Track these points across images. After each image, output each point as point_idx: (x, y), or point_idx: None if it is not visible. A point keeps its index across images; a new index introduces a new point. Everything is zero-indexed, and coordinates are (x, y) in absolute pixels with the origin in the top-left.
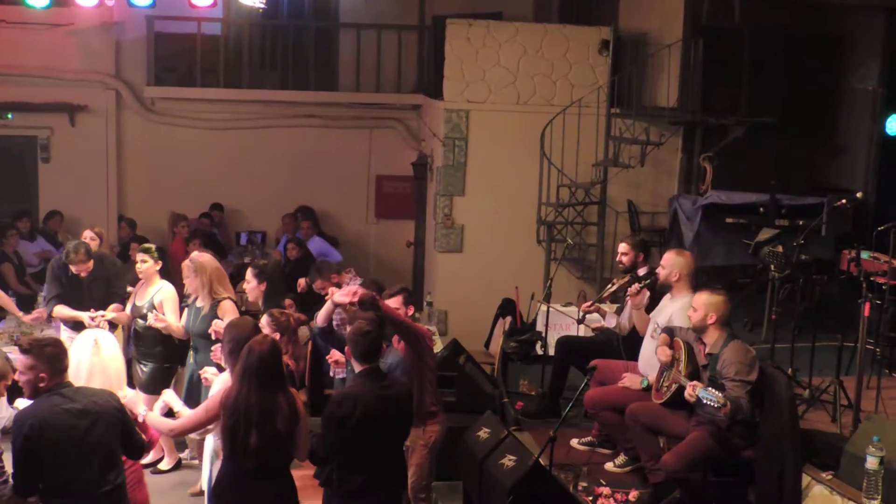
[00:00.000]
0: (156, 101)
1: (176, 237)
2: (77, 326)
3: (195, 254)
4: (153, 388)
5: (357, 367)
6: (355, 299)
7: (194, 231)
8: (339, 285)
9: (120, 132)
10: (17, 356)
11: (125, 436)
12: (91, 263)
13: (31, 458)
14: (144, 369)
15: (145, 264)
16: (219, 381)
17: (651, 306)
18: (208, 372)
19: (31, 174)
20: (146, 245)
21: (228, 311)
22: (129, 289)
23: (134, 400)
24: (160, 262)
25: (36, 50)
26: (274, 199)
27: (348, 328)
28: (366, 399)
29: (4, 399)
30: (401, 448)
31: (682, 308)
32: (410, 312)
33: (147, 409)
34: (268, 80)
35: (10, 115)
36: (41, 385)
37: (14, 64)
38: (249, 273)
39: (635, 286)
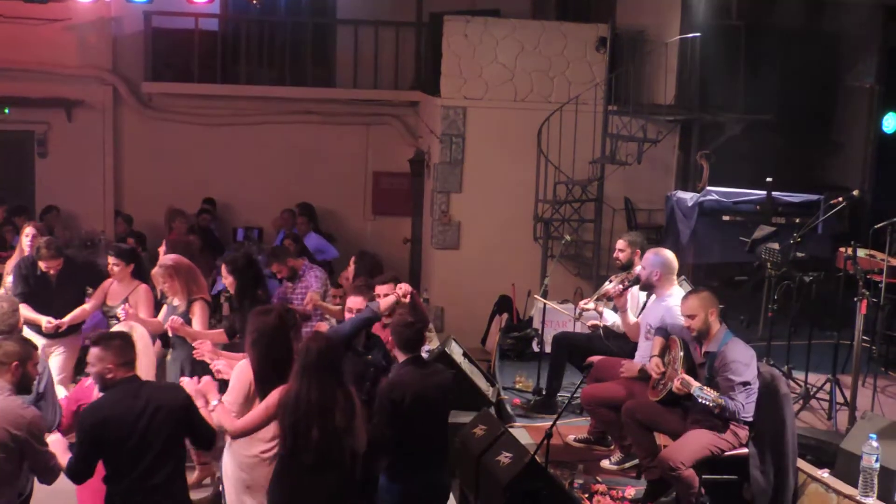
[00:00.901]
0: (153, 96)
1: (173, 232)
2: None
3: (165, 258)
4: None
5: (400, 357)
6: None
7: (191, 227)
8: (294, 270)
9: (117, 127)
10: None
11: (192, 427)
12: (61, 262)
13: (92, 448)
14: None
15: (117, 268)
16: (237, 371)
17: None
18: (219, 364)
19: (27, 169)
20: (118, 247)
21: (198, 312)
22: (89, 290)
23: (209, 388)
24: (132, 264)
25: (33, 45)
26: (271, 195)
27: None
28: (414, 385)
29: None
30: (446, 430)
31: (670, 307)
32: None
33: (220, 401)
34: (265, 77)
35: (6, 110)
36: (108, 377)
37: (11, 59)
38: (223, 268)
39: (618, 288)
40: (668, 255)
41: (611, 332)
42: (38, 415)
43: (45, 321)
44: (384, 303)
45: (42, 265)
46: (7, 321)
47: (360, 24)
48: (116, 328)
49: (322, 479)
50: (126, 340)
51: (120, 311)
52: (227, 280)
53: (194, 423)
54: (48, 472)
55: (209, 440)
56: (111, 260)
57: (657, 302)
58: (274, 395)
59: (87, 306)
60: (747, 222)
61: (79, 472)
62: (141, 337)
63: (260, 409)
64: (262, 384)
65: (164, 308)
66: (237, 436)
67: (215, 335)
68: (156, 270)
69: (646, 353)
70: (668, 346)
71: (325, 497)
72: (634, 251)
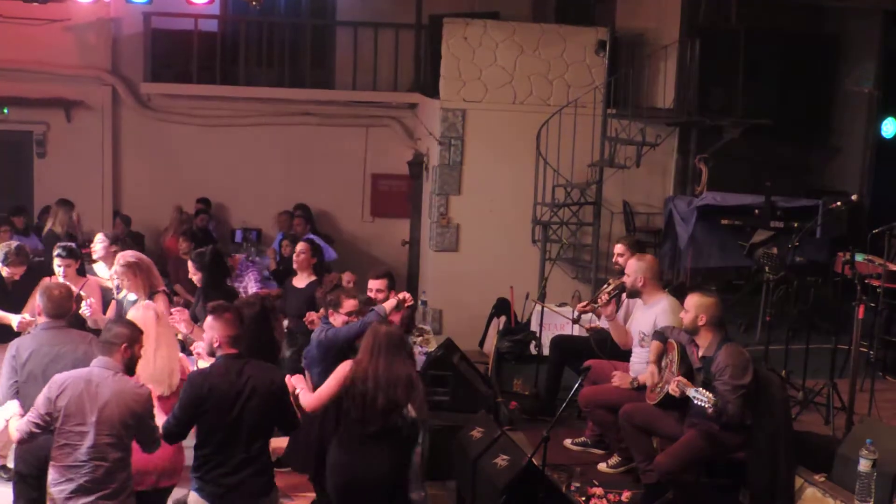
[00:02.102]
0: (152, 97)
1: (173, 234)
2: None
3: (126, 254)
4: None
5: None
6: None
7: (186, 229)
8: (231, 267)
9: (116, 128)
10: None
11: (280, 411)
12: (25, 269)
13: (192, 414)
14: None
15: (69, 269)
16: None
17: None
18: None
19: (26, 169)
20: (67, 248)
21: (161, 304)
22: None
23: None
24: (78, 261)
25: (32, 45)
26: (269, 197)
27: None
28: None
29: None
30: None
31: (665, 311)
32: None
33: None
34: (264, 78)
35: (5, 110)
36: (215, 346)
37: (10, 59)
38: (189, 264)
39: (604, 297)
40: (651, 259)
41: (607, 334)
42: (150, 391)
43: (18, 319)
44: (388, 305)
45: (6, 271)
46: None
47: (359, 26)
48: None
49: (383, 446)
50: (235, 315)
51: (85, 308)
52: (195, 276)
53: (285, 406)
54: (154, 444)
55: (293, 425)
56: (62, 262)
57: (645, 309)
58: (342, 370)
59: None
60: (746, 226)
61: (174, 434)
62: (165, 315)
63: (331, 383)
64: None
65: (113, 303)
66: (312, 409)
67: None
68: (117, 270)
69: (640, 360)
70: (665, 350)
71: (387, 462)
72: (633, 255)
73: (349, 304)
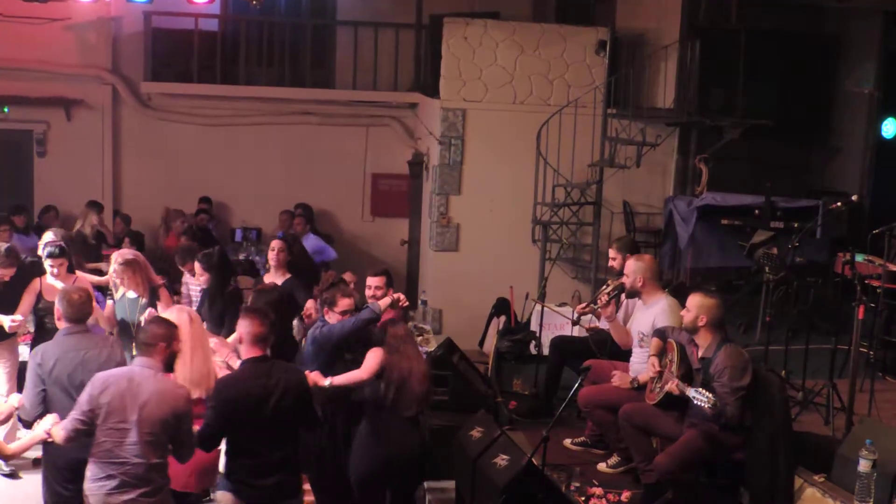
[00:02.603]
0: (152, 96)
1: (171, 232)
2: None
3: (124, 252)
4: None
5: None
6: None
7: (188, 227)
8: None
9: (116, 127)
10: None
11: (307, 410)
12: (14, 270)
13: (226, 418)
14: None
15: (59, 269)
16: None
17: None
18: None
19: (26, 168)
20: (58, 247)
21: (164, 298)
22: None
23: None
24: (67, 260)
25: (32, 44)
26: (269, 196)
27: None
28: None
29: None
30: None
31: (664, 311)
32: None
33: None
34: (264, 77)
35: (6, 109)
36: (240, 345)
37: (10, 57)
38: (197, 266)
39: (603, 298)
40: (649, 259)
41: (607, 334)
42: (189, 392)
43: (10, 319)
44: (382, 302)
45: None
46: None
47: (359, 26)
48: (165, 314)
49: (415, 427)
50: (265, 316)
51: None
52: (202, 277)
53: (310, 404)
54: (189, 450)
55: (316, 421)
56: (54, 262)
57: (645, 309)
58: (375, 359)
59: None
60: (746, 227)
61: (209, 439)
62: (198, 317)
63: (370, 368)
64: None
65: (109, 302)
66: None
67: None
68: (117, 268)
69: (639, 360)
70: (664, 350)
71: (418, 441)
72: (625, 256)
73: (344, 302)
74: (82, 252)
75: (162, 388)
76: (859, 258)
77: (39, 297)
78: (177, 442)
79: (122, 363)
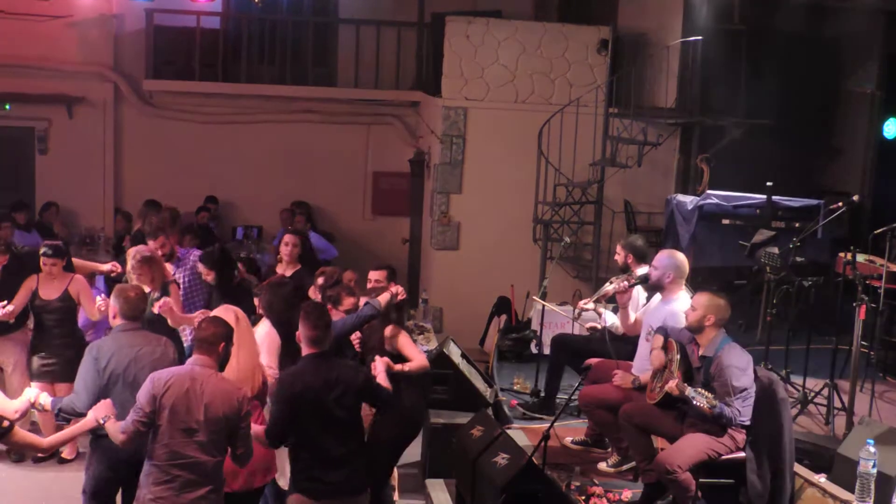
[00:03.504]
0: (154, 94)
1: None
2: None
3: (142, 249)
4: (70, 376)
5: None
6: None
7: (189, 226)
8: (174, 251)
9: (118, 125)
10: None
11: (374, 397)
12: (7, 258)
13: (290, 413)
14: (51, 361)
15: (55, 267)
16: (265, 338)
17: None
18: None
19: (28, 165)
20: (54, 247)
21: (174, 294)
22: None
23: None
24: (65, 258)
25: (34, 41)
26: (270, 194)
27: None
28: None
29: None
30: None
31: (676, 311)
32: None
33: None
34: (266, 75)
35: (7, 107)
36: (302, 345)
37: (13, 55)
38: (201, 266)
39: (624, 284)
40: (682, 258)
41: (611, 333)
42: (247, 393)
43: (1, 306)
44: (382, 298)
45: None
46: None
47: (361, 24)
48: (216, 312)
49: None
50: (322, 313)
51: (100, 301)
52: (208, 276)
53: (376, 391)
54: (249, 450)
55: (390, 401)
56: (49, 261)
57: (662, 304)
58: (414, 347)
59: (10, 307)
60: (747, 226)
61: (276, 435)
62: (244, 317)
63: (423, 356)
64: (288, 345)
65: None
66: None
67: (191, 319)
68: (133, 265)
69: (645, 354)
70: (665, 348)
71: None
72: (627, 254)
73: (349, 301)
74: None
75: (224, 387)
76: (860, 258)
77: (35, 294)
78: (236, 440)
79: (175, 362)
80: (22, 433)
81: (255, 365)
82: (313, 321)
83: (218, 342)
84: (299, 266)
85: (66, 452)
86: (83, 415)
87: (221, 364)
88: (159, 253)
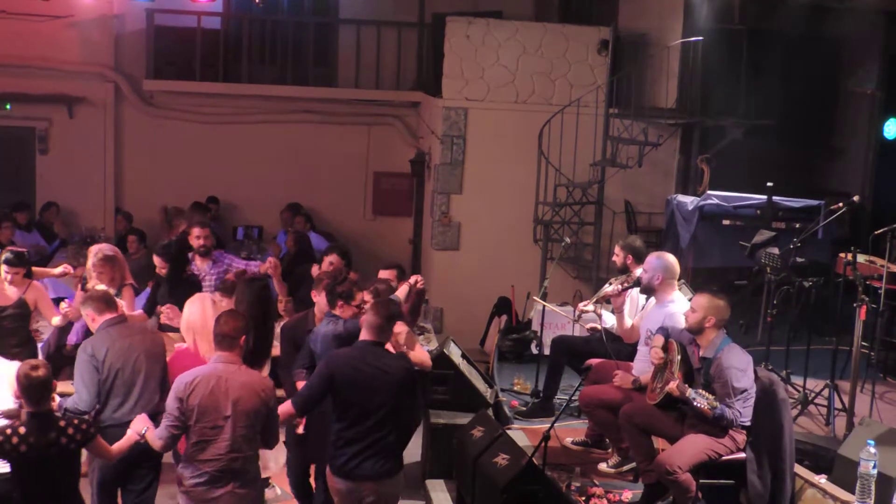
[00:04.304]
0: (154, 94)
1: (173, 231)
2: None
3: (103, 247)
4: None
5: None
6: None
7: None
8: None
9: (118, 125)
10: None
11: (410, 397)
12: None
13: (328, 387)
14: None
15: (17, 276)
16: None
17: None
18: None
19: (28, 165)
20: (17, 255)
21: (126, 296)
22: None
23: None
24: (27, 266)
25: (35, 41)
26: (271, 194)
27: None
28: None
29: None
30: None
31: (672, 313)
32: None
33: None
34: (267, 75)
35: (8, 106)
36: (363, 330)
37: (13, 54)
38: (156, 259)
39: (617, 288)
40: (671, 259)
41: (611, 334)
42: (272, 384)
43: None
44: (400, 292)
45: None
46: None
47: (362, 24)
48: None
49: None
50: (390, 304)
51: (65, 307)
52: (162, 269)
53: (414, 394)
54: (276, 437)
55: (416, 414)
56: (12, 270)
57: (658, 307)
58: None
59: None
60: (747, 227)
61: (306, 404)
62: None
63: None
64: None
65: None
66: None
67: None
68: (94, 262)
69: (645, 358)
70: (666, 348)
71: None
72: (626, 255)
73: (360, 296)
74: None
75: (249, 381)
76: (861, 259)
77: None
78: (266, 430)
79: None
80: (101, 441)
81: None
82: (381, 310)
83: (239, 336)
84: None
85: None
86: (86, 413)
87: (243, 356)
88: (200, 243)
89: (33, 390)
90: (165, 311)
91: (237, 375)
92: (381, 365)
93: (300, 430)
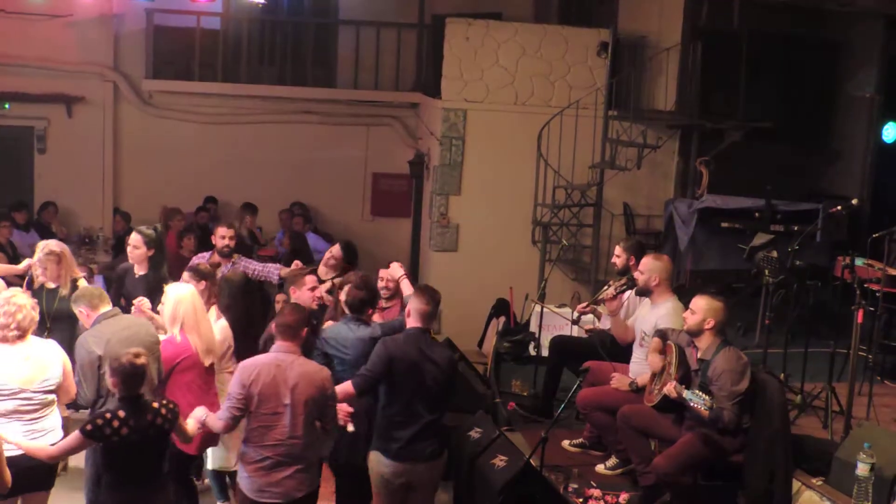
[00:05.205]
0: (153, 94)
1: (170, 231)
2: None
3: (51, 243)
4: None
5: None
6: None
7: (189, 226)
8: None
9: (117, 124)
10: None
11: (451, 387)
12: None
13: (381, 372)
14: None
15: None
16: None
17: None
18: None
19: (26, 165)
20: None
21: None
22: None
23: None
24: None
25: (34, 40)
26: (270, 195)
27: None
28: None
29: None
30: None
31: (668, 314)
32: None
33: None
34: (266, 76)
35: (7, 105)
36: (407, 317)
37: (12, 54)
38: (139, 240)
39: (611, 291)
40: (667, 260)
41: (610, 336)
42: (329, 372)
43: None
44: (405, 287)
45: None
46: None
47: (361, 25)
48: (173, 287)
49: None
50: (434, 292)
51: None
52: (145, 256)
53: (453, 385)
54: (334, 422)
55: (443, 406)
56: None
57: (652, 309)
58: None
59: None
60: (746, 229)
61: (364, 388)
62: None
63: None
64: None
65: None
66: None
67: None
68: (42, 258)
69: (640, 360)
70: (664, 351)
71: None
72: (629, 257)
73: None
74: (241, 252)
75: (306, 370)
76: (859, 262)
77: None
78: (323, 417)
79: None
80: (182, 422)
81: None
82: (427, 297)
83: (301, 328)
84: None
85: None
86: (88, 406)
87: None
88: (224, 243)
89: (135, 377)
90: (137, 304)
91: (296, 365)
92: (431, 351)
93: (350, 427)
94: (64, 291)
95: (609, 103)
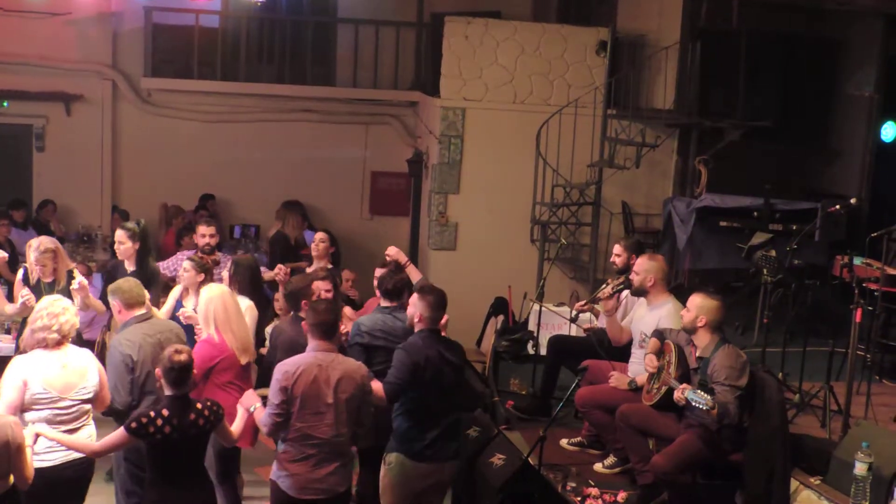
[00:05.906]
0: (152, 92)
1: (170, 229)
2: None
3: (45, 240)
4: None
5: None
6: None
7: (188, 224)
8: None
9: (115, 123)
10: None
11: (463, 376)
12: None
13: (409, 379)
14: None
15: None
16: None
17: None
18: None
19: (25, 163)
20: None
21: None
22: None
23: None
24: None
25: (33, 38)
26: (268, 193)
27: None
28: None
29: None
30: None
31: (669, 314)
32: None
33: None
34: (265, 74)
35: (5, 104)
36: (416, 321)
37: (11, 52)
38: (123, 235)
39: (607, 291)
40: (662, 260)
41: (604, 334)
42: (368, 370)
43: None
44: (412, 271)
45: None
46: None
47: (360, 24)
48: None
49: None
50: (442, 296)
51: (26, 294)
52: (132, 250)
53: (466, 384)
54: (369, 417)
55: (464, 407)
56: None
57: (650, 310)
58: None
59: None
60: (744, 229)
61: (394, 394)
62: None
63: None
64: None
65: (25, 290)
66: None
67: (99, 303)
68: (37, 255)
69: (639, 360)
70: (662, 350)
71: None
72: (629, 255)
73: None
74: (285, 251)
75: (347, 368)
76: (857, 261)
77: None
78: (362, 413)
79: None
80: (226, 423)
81: (249, 334)
82: (434, 301)
83: (337, 326)
84: (331, 266)
85: None
86: (124, 410)
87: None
88: (205, 241)
89: (177, 374)
90: (181, 313)
91: (336, 364)
92: (448, 352)
93: None
94: (62, 284)
95: (608, 102)
